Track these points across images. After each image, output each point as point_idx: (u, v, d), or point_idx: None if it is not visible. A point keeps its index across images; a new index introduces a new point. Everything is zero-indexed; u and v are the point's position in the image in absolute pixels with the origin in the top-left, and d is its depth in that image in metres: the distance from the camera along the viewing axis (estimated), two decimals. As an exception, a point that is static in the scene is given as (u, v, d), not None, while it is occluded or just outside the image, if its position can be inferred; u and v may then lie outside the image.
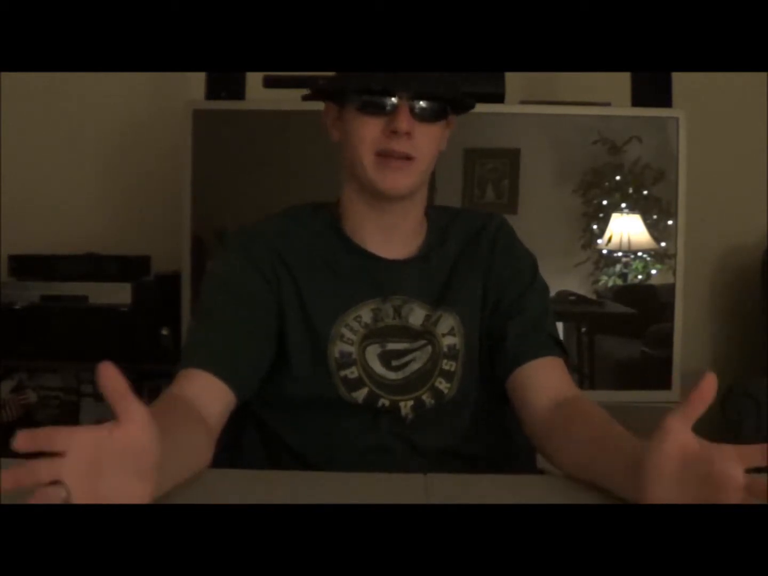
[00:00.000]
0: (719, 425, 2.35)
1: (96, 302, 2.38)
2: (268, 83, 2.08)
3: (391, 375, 1.08)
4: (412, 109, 1.02)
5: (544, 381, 1.05)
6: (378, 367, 1.08)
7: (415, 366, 1.08)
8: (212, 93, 2.09)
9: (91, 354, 2.31)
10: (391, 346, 1.08)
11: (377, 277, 1.09)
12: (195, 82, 2.10)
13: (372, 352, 1.08)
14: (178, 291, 2.08)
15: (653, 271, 2.21)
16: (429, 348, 1.09)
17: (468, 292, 1.12)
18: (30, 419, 2.52)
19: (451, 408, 1.09)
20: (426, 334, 1.08)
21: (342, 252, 1.10)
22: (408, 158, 1.03)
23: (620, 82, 2.08)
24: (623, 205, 2.19)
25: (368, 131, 1.03)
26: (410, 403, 1.08)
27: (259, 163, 2.18)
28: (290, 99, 2.12)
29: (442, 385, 1.09)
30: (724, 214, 2.54)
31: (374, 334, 1.08)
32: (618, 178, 2.18)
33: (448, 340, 1.09)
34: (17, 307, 2.38)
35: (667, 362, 2.13)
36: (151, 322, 2.38)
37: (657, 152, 2.16)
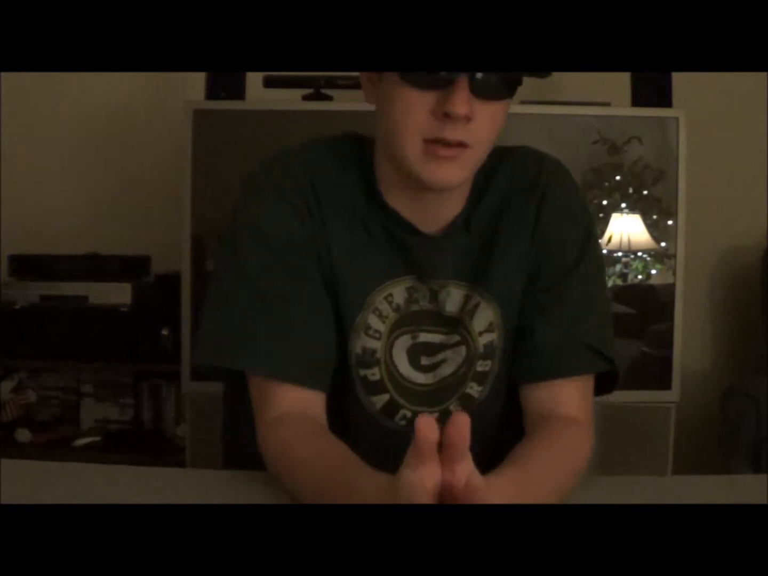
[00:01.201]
0: (719, 425, 2.35)
1: (96, 302, 2.38)
2: (268, 83, 2.08)
3: (419, 378, 0.94)
4: (472, 83, 0.79)
5: (548, 402, 0.91)
6: (405, 367, 0.94)
7: (447, 370, 0.95)
8: (212, 93, 2.08)
9: (91, 354, 2.37)
10: (424, 337, 0.94)
11: (415, 252, 0.93)
12: (195, 82, 2.10)
13: (401, 347, 0.94)
14: (178, 291, 2.08)
15: (653, 271, 2.21)
16: (463, 349, 0.95)
17: (510, 269, 0.94)
18: (30, 419, 2.52)
19: (481, 412, 0.96)
20: (461, 328, 0.94)
21: (377, 214, 0.93)
22: (462, 145, 0.82)
23: (620, 82, 2.08)
24: (623, 205, 2.19)
25: (414, 111, 0.81)
26: (435, 415, 0.94)
27: (259, 163, 2.18)
28: (290, 99, 2.13)
29: (473, 389, 0.96)
30: (724, 214, 2.54)
31: (406, 320, 0.93)
32: (618, 178, 2.18)
33: (485, 338, 0.95)
34: (17, 307, 2.39)
35: (667, 362, 2.12)
36: (151, 322, 2.38)
37: (657, 152, 2.16)
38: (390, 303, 0.93)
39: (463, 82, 0.79)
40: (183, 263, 2.08)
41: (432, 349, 0.95)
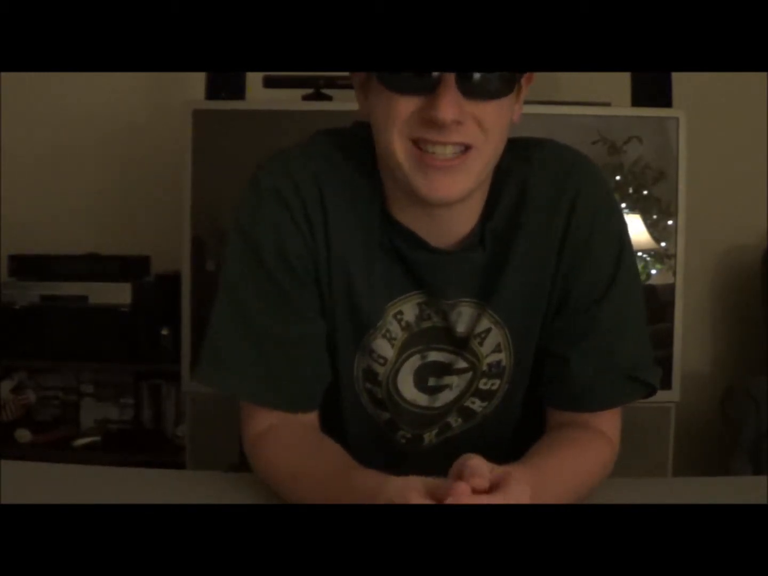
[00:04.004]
0: (719, 425, 2.35)
1: (96, 302, 2.38)
2: (268, 83, 2.08)
3: (423, 400, 0.91)
4: (460, 84, 0.73)
5: (578, 419, 0.88)
6: (409, 390, 0.90)
7: (450, 396, 0.91)
8: (212, 93, 2.08)
9: (91, 354, 2.36)
10: (434, 356, 0.89)
11: (424, 270, 0.86)
12: (195, 82, 2.10)
13: (408, 369, 0.89)
14: (178, 291, 2.08)
15: (653, 271, 2.21)
16: (469, 374, 0.90)
17: (525, 286, 0.87)
18: (30, 419, 2.52)
19: (486, 426, 0.94)
20: (469, 353, 0.89)
21: (385, 228, 0.86)
22: (460, 145, 0.75)
23: (620, 82, 2.08)
24: (623, 205, 2.19)
25: (400, 119, 0.75)
26: (434, 431, 0.93)
27: (259, 163, 2.18)
28: (290, 99, 2.13)
29: (476, 404, 0.92)
30: (724, 214, 2.54)
31: (416, 339, 0.88)
32: (618, 178, 2.18)
33: (491, 358, 0.90)
34: (17, 307, 2.39)
35: (667, 362, 2.12)
36: (151, 322, 2.38)
37: (657, 152, 2.16)
38: (399, 321, 0.87)
39: (449, 83, 0.73)
40: (183, 263, 2.08)
41: (440, 369, 0.90)
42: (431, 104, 0.73)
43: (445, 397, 0.91)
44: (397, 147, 0.77)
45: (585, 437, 0.87)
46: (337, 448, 0.83)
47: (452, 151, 0.76)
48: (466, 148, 0.76)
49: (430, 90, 0.73)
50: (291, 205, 0.84)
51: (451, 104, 0.72)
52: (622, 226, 0.89)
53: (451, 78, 0.73)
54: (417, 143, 0.76)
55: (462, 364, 0.90)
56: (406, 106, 0.75)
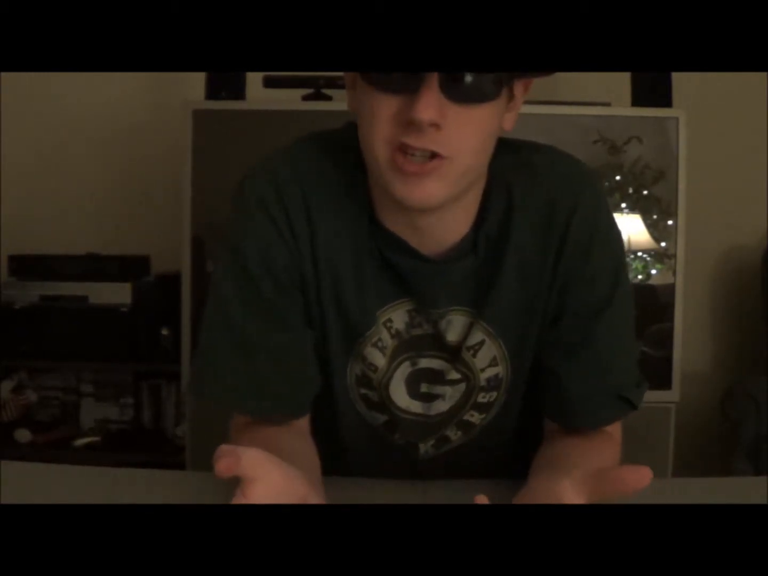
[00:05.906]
0: (719, 425, 2.35)
1: (96, 302, 2.38)
2: (268, 83, 2.08)
3: (417, 407, 0.89)
4: (444, 86, 0.71)
5: (579, 444, 0.86)
6: (402, 398, 0.89)
7: (443, 407, 0.89)
8: (212, 93, 2.09)
9: (91, 354, 2.37)
10: (425, 363, 0.88)
11: (413, 278, 0.84)
12: (195, 82, 2.10)
13: (399, 377, 0.88)
14: (178, 291, 2.08)
15: (653, 271, 2.21)
16: (463, 386, 0.88)
17: (518, 297, 0.85)
18: (30, 419, 2.52)
19: (484, 436, 0.93)
20: (461, 365, 0.87)
21: (373, 235, 0.84)
22: (435, 155, 0.72)
23: (620, 82, 2.08)
24: (623, 205, 2.19)
25: (379, 118, 0.73)
26: (431, 442, 0.92)
27: (259, 163, 2.18)
28: (290, 99, 2.13)
29: (474, 417, 0.91)
30: (724, 214, 2.54)
31: (406, 346, 0.87)
32: (618, 178, 2.18)
33: (488, 372, 0.88)
34: (17, 307, 2.39)
35: (667, 362, 2.12)
36: (151, 322, 2.39)
37: (657, 152, 2.16)
38: (389, 329, 0.86)
39: (431, 84, 0.70)
40: (183, 263, 2.08)
41: (433, 376, 0.89)
42: (412, 102, 0.70)
43: (439, 407, 0.89)
44: (378, 150, 0.74)
45: (599, 441, 0.87)
46: (310, 459, 0.81)
47: (421, 155, 0.72)
48: (436, 155, 0.72)
49: (412, 90, 0.71)
50: (275, 214, 0.83)
51: (430, 105, 0.69)
52: (620, 241, 0.88)
53: (433, 78, 0.70)
54: (399, 149, 0.73)
55: (454, 375, 0.88)
56: (388, 105, 0.73)
